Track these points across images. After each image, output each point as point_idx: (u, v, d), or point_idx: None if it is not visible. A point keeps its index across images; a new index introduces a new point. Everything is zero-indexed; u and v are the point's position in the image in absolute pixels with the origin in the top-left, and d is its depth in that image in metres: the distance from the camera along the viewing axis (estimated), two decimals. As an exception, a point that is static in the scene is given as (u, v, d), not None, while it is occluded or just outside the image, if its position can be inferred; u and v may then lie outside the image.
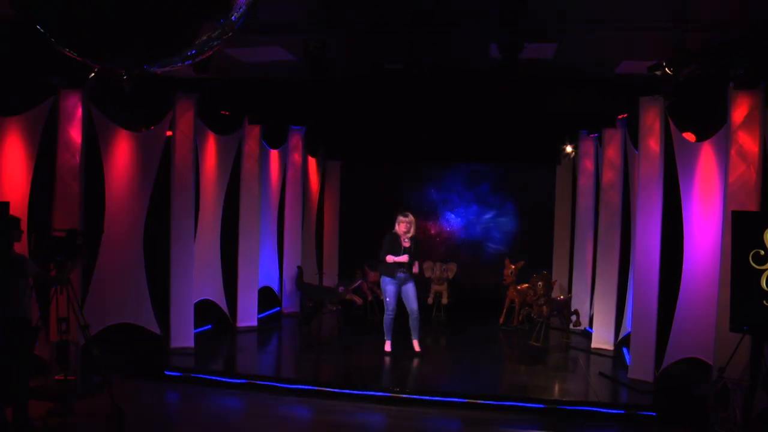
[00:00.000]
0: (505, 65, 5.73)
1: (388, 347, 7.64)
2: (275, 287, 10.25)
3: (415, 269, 7.63)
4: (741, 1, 4.91)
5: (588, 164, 9.36)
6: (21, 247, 5.31)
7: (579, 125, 9.01)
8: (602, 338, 8.11)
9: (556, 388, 6.69)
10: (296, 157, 10.41)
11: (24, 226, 5.37)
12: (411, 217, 7.59)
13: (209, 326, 8.64)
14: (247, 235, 9.02)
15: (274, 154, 9.91)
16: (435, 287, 10.07)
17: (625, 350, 7.68)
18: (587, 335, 8.66)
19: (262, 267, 9.42)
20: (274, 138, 9.85)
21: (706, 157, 6.11)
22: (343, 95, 8.01)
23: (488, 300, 10.31)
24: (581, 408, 6.00)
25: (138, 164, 7.42)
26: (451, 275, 10.05)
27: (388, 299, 7.54)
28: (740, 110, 5.45)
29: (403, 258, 7.42)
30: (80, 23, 2.03)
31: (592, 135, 9.08)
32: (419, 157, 11.30)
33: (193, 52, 2.19)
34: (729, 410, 5.02)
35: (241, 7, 2.14)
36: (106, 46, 2.11)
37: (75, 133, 6.53)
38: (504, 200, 11.51)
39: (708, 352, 5.67)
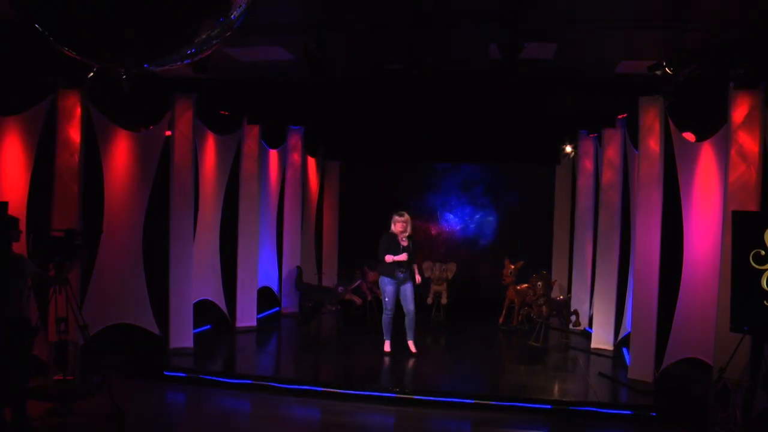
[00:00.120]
0: (505, 65, 5.72)
1: (387, 347, 7.63)
2: (274, 287, 10.24)
3: (418, 279, 7.66)
4: (741, 1, 4.90)
5: (587, 164, 9.36)
6: (20, 247, 5.29)
7: (578, 125, 9.01)
8: (602, 338, 8.10)
9: (556, 388, 6.69)
10: (295, 157, 10.40)
11: (23, 226, 5.36)
12: (407, 216, 7.60)
13: (208, 326, 8.63)
14: (246, 235, 9.01)
15: (273, 154, 9.90)
16: (434, 287, 10.06)
17: (624, 350, 7.68)
18: (587, 335, 8.66)
19: (261, 267, 9.42)
20: (274, 138, 9.84)
21: (706, 157, 6.10)
22: (342, 95, 8.00)
23: (488, 300, 10.30)
24: (581, 408, 6.00)
25: (137, 164, 7.41)
26: (450, 275, 10.04)
27: (386, 299, 7.54)
28: (740, 110, 5.45)
29: (402, 257, 7.43)
30: (79, 22, 2.02)
31: (592, 135, 9.07)
32: (419, 158, 11.30)
33: (193, 50, 2.18)
34: (729, 410, 5.01)
35: (240, 6, 2.13)
36: (105, 45, 2.11)
37: (74, 133, 6.52)
38: (503, 200, 11.51)
39: (708, 352, 5.66)
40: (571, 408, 6.00)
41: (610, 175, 8.09)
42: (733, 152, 5.46)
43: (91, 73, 6.18)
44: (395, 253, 7.45)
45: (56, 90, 6.45)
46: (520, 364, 7.61)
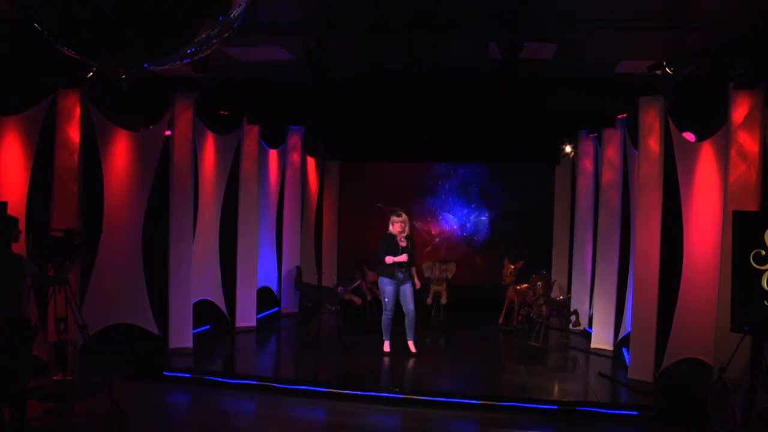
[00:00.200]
0: (505, 65, 5.72)
1: (387, 347, 7.63)
2: (274, 287, 10.23)
3: (417, 284, 7.68)
4: (741, 1, 4.90)
5: (587, 164, 9.35)
6: (19, 247, 5.29)
7: (578, 125, 9.00)
8: (602, 338, 8.10)
9: (556, 388, 6.69)
10: (295, 156, 10.39)
11: (22, 225, 5.35)
12: (404, 216, 7.60)
13: (208, 326, 8.62)
14: (246, 235, 9.00)
15: (272, 154, 9.89)
16: (434, 287, 10.05)
17: (624, 350, 7.68)
18: (587, 335, 8.65)
19: (260, 267, 9.41)
20: (273, 138, 9.84)
21: (706, 157, 6.10)
22: (342, 95, 7.99)
23: (487, 300, 10.30)
24: (580, 408, 6.00)
25: (136, 164, 7.40)
26: (450, 275, 10.03)
27: (386, 299, 7.54)
28: (740, 110, 5.44)
29: (403, 258, 7.43)
30: (79, 21, 2.01)
31: (592, 135, 9.06)
32: (418, 157, 11.29)
33: (193, 50, 2.17)
34: (729, 410, 5.01)
35: (240, 5, 2.12)
36: (105, 45, 2.10)
37: (73, 133, 6.51)
38: (503, 200, 11.50)
39: (708, 352, 5.66)
40: (570, 408, 5.99)
41: (610, 175, 8.09)
42: (733, 152, 5.45)
43: (91, 73, 6.17)
44: (395, 254, 7.45)
45: (56, 90, 6.44)
46: (520, 364, 7.61)
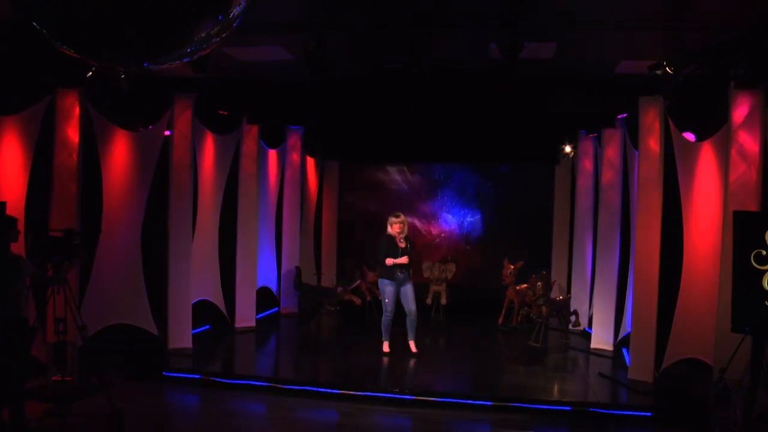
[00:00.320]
0: (505, 65, 5.71)
1: (386, 348, 7.62)
2: (273, 287, 10.22)
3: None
4: (741, 1, 4.89)
5: (587, 164, 9.35)
6: (18, 247, 5.28)
7: (578, 125, 9.00)
8: (601, 339, 8.09)
9: (556, 388, 6.68)
10: (294, 157, 10.38)
11: (21, 226, 5.34)
12: (403, 217, 7.60)
13: (207, 327, 8.61)
14: (245, 235, 8.99)
15: (272, 154, 9.89)
16: (434, 287, 10.05)
17: (624, 350, 7.67)
18: (586, 335, 8.65)
19: (260, 267, 9.40)
20: (273, 138, 9.83)
21: (706, 157, 6.09)
22: (342, 95, 7.98)
23: (487, 300, 10.29)
24: (580, 409, 5.99)
25: (136, 164, 7.38)
26: (449, 275, 10.03)
27: (386, 300, 7.53)
28: (741, 110, 5.44)
29: (403, 259, 7.43)
30: (78, 20, 2.00)
31: (591, 135, 9.06)
32: (418, 157, 11.28)
33: (192, 49, 2.16)
34: (729, 411, 5.00)
35: (240, 4, 2.11)
36: (104, 43, 2.09)
37: (72, 133, 6.49)
38: (503, 200, 11.49)
39: (708, 353, 5.65)
40: (570, 409, 5.98)
41: (610, 175, 8.08)
42: (733, 152, 5.45)
43: (90, 73, 6.16)
44: (394, 256, 7.45)
45: (55, 90, 6.43)
46: (519, 364, 7.59)
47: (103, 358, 5.80)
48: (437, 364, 7.65)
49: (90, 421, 5.33)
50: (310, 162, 11.21)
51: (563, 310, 8.69)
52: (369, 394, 6.24)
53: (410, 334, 7.64)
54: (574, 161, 10.01)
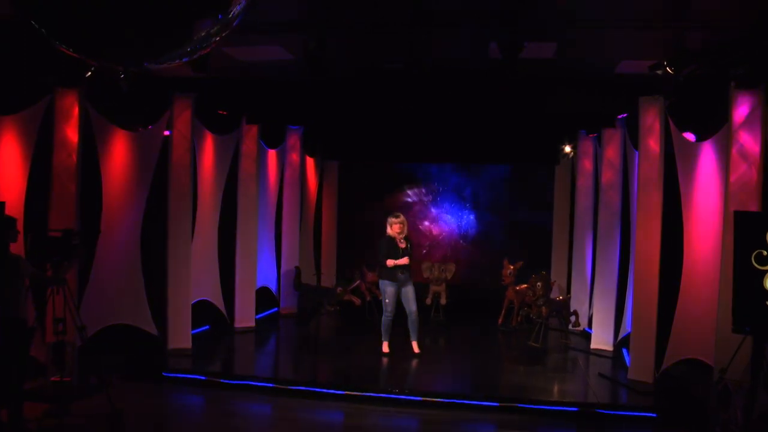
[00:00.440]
0: (505, 65, 5.70)
1: (385, 348, 7.61)
2: (273, 288, 10.21)
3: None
4: (741, 1, 4.89)
5: (587, 164, 9.34)
6: (17, 247, 5.26)
7: (578, 125, 8.99)
8: (601, 339, 8.09)
9: (555, 389, 6.67)
10: (294, 156, 10.37)
11: (20, 226, 5.33)
12: (402, 217, 7.59)
13: (207, 327, 8.60)
14: (245, 235, 8.98)
15: (271, 154, 9.87)
16: (433, 288, 10.04)
17: (624, 351, 7.66)
18: (586, 336, 8.64)
19: (259, 267, 9.39)
20: (272, 138, 9.82)
21: (706, 157, 6.09)
22: (341, 95, 7.97)
23: (487, 300, 10.29)
24: (583, 410, 5.98)
25: (135, 164, 7.37)
26: (449, 276, 10.02)
27: (387, 300, 7.51)
28: (741, 110, 5.43)
29: (404, 260, 7.41)
30: (78, 19, 1.99)
31: (591, 135, 9.05)
32: (418, 157, 11.27)
33: (192, 48, 2.15)
34: (730, 411, 4.99)
35: (240, 3, 2.10)
36: (103, 43, 2.08)
37: (71, 133, 6.48)
38: (502, 200, 11.48)
39: (708, 353, 5.64)
40: (570, 409, 5.98)
41: (610, 175, 8.08)
42: (734, 152, 5.44)
43: (89, 73, 6.15)
44: (395, 256, 7.43)
45: (54, 89, 6.41)
46: (519, 364, 7.58)
47: (103, 358, 5.79)
48: (437, 364, 7.64)
49: (89, 421, 5.32)
50: (310, 162, 11.20)
51: (563, 310, 8.68)
52: (369, 394, 6.23)
53: (413, 334, 7.63)
54: (574, 161, 10.00)
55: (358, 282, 10.05)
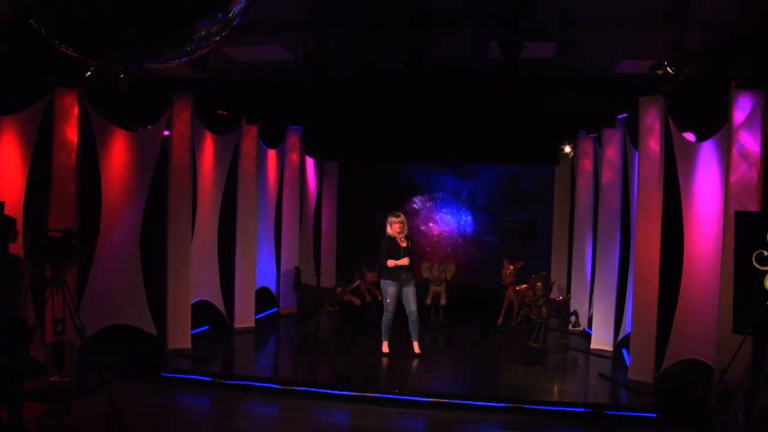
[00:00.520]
0: (505, 65, 5.70)
1: (385, 348, 7.60)
2: (273, 288, 10.20)
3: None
4: (741, 1, 4.88)
5: (587, 164, 9.34)
6: (16, 248, 5.26)
7: (578, 125, 8.99)
8: (601, 339, 8.08)
9: (555, 389, 6.67)
10: (294, 157, 10.37)
11: (20, 226, 5.32)
12: (402, 216, 7.58)
13: (206, 327, 8.59)
14: (245, 236, 8.97)
15: (271, 154, 9.87)
16: (433, 288, 10.03)
17: (624, 351, 7.66)
18: (586, 336, 8.64)
19: (259, 267, 9.38)
20: (272, 138, 9.81)
21: (706, 157, 6.08)
22: (341, 95, 7.97)
23: (487, 301, 10.28)
24: (580, 410, 5.98)
25: (135, 164, 7.36)
26: (449, 276, 10.02)
27: (388, 300, 7.50)
28: (742, 110, 5.43)
29: (404, 261, 7.40)
30: (77, 19, 1.99)
31: (591, 135, 9.05)
32: (418, 157, 11.27)
33: (192, 47, 2.15)
34: (730, 412, 4.99)
35: (240, 2, 2.10)
36: (103, 42, 2.07)
37: (71, 133, 6.47)
38: (502, 200, 11.48)
39: (708, 353, 5.64)
40: (570, 409, 5.97)
41: (610, 175, 8.07)
42: (734, 152, 5.43)
43: (89, 73, 6.14)
44: (396, 256, 7.41)
45: (54, 89, 6.41)
46: (519, 365, 7.58)
47: (102, 358, 5.78)
48: (436, 364, 7.64)
49: (89, 421, 5.32)
50: (310, 162, 11.19)
51: (563, 310, 8.68)
52: (369, 394, 6.22)
53: (413, 335, 7.62)
54: (574, 161, 10.00)
55: (357, 282, 10.05)
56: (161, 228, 7.35)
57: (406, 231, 7.57)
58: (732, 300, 4.92)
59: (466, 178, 11.60)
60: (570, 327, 8.76)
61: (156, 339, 7.38)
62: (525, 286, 8.86)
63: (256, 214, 9.10)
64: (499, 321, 9.50)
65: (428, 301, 9.95)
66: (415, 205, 11.65)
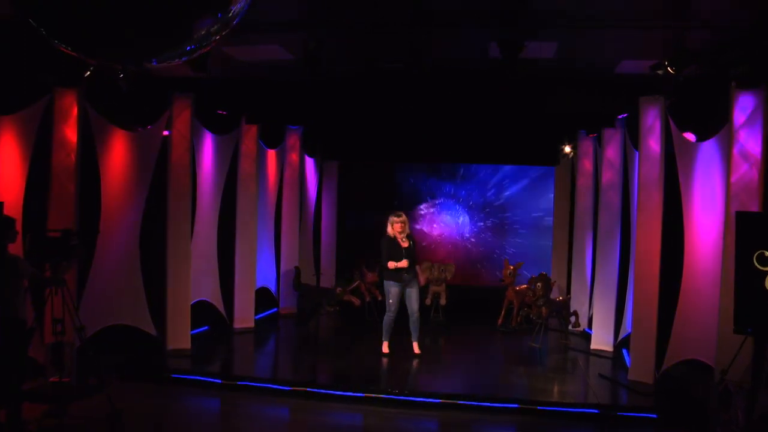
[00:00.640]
0: (505, 65, 5.70)
1: (385, 348, 7.59)
2: (272, 288, 10.20)
3: (422, 281, 7.63)
4: (741, 1, 4.88)
5: (587, 164, 9.33)
6: (16, 248, 5.25)
7: (578, 125, 8.98)
8: (601, 339, 8.07)
9: (555, 389, 6.66)
10: (293, 156, 10.36)
11: (19, 226, 5.30)
12: (403, 216, 7.55)
13: (206, 327, 8.58)
14: (244, 236, 8.97)
15: (271, 154, 9.86)
16: (433, 288, 10.02)
17: (624, 351, 7.65)
18: (586, 336, 8.63)
19: (259, 267, 9.38)
20: (272, 138, 9.80)
21: (707, 157, 6.08)
22: (341, 95, 7.96)
23: (486, 301, 10.27)
24: (580, 410, 5.97)
25: (134, 164, 7.36)
26: (449, 276, 10.01)
27: (390, 300, 7.48)
28: (742, 110, 5.42)
29: (403, 263, 7.37)
30: (77, 18, 1.98)
31: (591, 135, 9.05)
32: (417, 157, 11.25)
33: (192, 47, 2.14)
34: (731, 412, 4.98)
35: (240, 1, 2.09)
36: (103, 42, 2.07)
37: (70, 132, 6.46)
38: (502, 200, 11.48)
39: (708, 354, 5.64)
40: (570, 410, 5.97)
41: (610, 176, 8.07)
42: (735, 152, 5.43)
43: (88, 73, 6.13)
44: (397, 256, 7.39)
45: (53, 89, 6.40)
46: (519, 365, 7.57)
47: (102, 358, 5.77)
48: (436, 365, 7.63)
49: (88, 422, 5.30)
50: (310, 162, 11.19)
51: (563, 310, 8.67)
52: (370, 395, 6.21)
53: (414, 335, 7.61)
54: (574, 161, 9.99)
55: (357, 282, 10.04)
56: (161, 228, 7.34)
57: (407, 231, 7.55)
58: (732, 300, 4.91)
59: (465, 177, 11.59)
60: (570, 327, 8.76)
61: (156, 339, 7.38)
62: (525, 286, 8.86)
63: (255, 214, 9.09)
64: (499, 321, 9.49)
65: (428, 301, 9.93)
66: (415, 206, 11.64)
